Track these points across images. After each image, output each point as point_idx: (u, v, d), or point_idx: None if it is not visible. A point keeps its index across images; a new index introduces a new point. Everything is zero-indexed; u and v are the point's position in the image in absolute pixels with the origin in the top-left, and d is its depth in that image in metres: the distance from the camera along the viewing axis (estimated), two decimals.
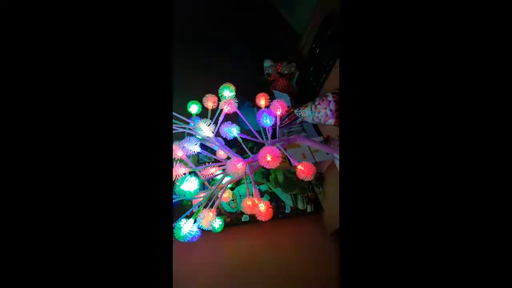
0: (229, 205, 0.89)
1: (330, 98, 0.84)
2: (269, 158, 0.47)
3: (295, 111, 0.95)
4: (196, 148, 0.52)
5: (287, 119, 1.01)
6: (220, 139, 0.62)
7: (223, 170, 0.57)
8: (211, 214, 0.52)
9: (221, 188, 0.60)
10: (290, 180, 1.01)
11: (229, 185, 0.61)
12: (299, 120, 1.01)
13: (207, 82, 0.81)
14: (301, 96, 1.06)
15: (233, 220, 0.88)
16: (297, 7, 1.31)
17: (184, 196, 0.45)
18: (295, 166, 0.55)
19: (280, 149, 0.63)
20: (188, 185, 0.45)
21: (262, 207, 0.55)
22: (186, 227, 0.48)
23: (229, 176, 0.55)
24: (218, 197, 0.58)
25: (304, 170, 0.51)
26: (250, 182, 0.55)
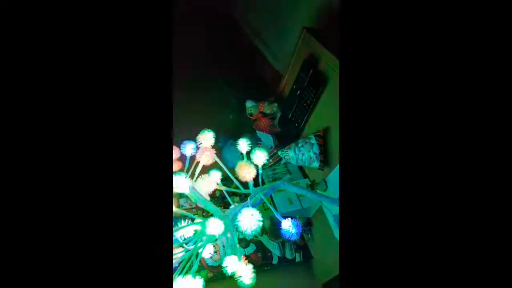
0: (211, 258, 0.82)
1: (313, 141, 0.82)
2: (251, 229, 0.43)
3: (279, 152, 0.92)
4: None
5: (271, 160, 0.97)
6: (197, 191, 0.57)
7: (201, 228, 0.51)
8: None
9: (201, 247, 0.54)
10: (278, 225, 0.95)
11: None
12: (283, 160, 0.98)
13: (186, 122, 0.76)
14: (284, 135, 1.03)
15: (216, 274, 0.80)
16: (279, 49, 1.34)
17: None
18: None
19: (263, 200, 0.59)
20: None
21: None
22: None
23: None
24: (196, 258, 0.52)
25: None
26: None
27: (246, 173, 0.52)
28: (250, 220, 0.45)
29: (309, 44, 0.92)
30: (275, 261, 0.87)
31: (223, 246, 0.87)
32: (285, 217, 0.51)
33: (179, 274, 0.50)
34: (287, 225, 0.50)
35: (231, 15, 1.56)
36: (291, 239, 0.50)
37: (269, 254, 0.88)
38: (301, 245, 0.92)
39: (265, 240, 0.90)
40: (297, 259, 0.89)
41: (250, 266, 0.49)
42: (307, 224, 0.90)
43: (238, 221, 0.46)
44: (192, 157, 0.58)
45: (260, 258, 0.86)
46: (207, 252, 0.59)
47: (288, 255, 0.89)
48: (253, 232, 0.46)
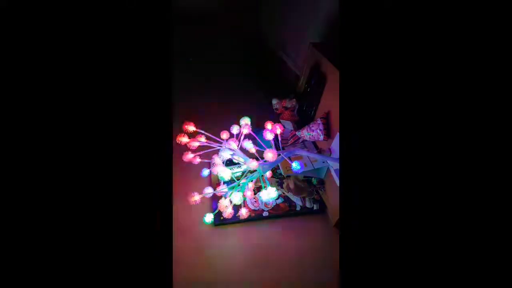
0: (252, 204, 1.20)
1: (319, 121, 1.16)
2: (270, 155, 0.79)
3: (297, 133, 1.28)
4: (227, 156, 0.85)
5: (291, 139, 1.33)
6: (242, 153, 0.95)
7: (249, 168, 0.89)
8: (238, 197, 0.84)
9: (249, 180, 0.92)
10: (299, 186, 1.31)
11: (253, 182, 0.93)
12: (301, 139, 1.34)
13: (232, 114, 1.16)
14: (301, 122, 1.39)
15: (256, 215, 1.18)
16: (296, 56, 1.70)
17: None
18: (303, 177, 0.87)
19: (283, 158, 0.95)
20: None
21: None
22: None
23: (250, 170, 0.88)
24: (243, 186, 0.90)
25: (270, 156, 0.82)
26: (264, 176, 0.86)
27: (269, 135, 0.89)
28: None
29: (314, 54, 1.27)
30: (298, 208, 1.22)
31: (260, 199, 1.24)
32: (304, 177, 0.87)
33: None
34: (294, 165, 0.86)
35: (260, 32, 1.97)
36: (298, 173, 0.86)
37: (294, 204, 1.24)
38: (317, 199, 1.26)
39: (290, 195, 1.26)
40: (315, 208, 1.23)
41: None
42: (321, 183, 1.24)
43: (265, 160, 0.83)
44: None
45: (287, 206, 1.22)
46: (251, 196, 0.98)
47: (308, 205, 1.24)
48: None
